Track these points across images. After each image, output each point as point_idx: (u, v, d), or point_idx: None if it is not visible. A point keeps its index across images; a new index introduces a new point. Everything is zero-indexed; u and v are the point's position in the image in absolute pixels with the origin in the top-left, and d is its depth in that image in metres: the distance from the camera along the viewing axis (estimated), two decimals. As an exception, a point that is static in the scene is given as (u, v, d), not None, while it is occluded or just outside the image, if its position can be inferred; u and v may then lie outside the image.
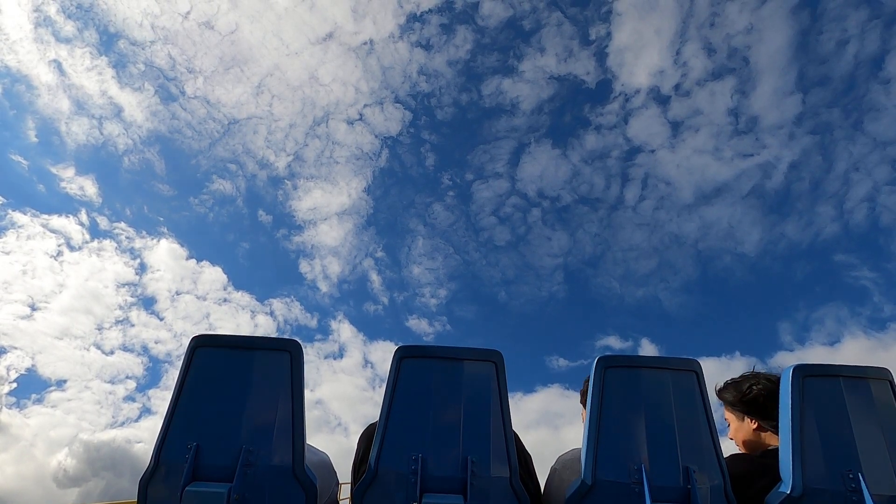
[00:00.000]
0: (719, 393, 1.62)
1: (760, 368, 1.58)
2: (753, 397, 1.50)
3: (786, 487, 1.19)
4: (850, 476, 1.18)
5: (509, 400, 1.34)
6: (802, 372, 1.29)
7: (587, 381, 1.60)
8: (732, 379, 1.60)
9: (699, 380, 1.33)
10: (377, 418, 1.33)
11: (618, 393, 1.31)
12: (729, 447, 1.64)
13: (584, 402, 1.59)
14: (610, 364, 1.34)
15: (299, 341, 1.36)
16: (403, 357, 1.38)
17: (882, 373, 1.30)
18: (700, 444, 1.26)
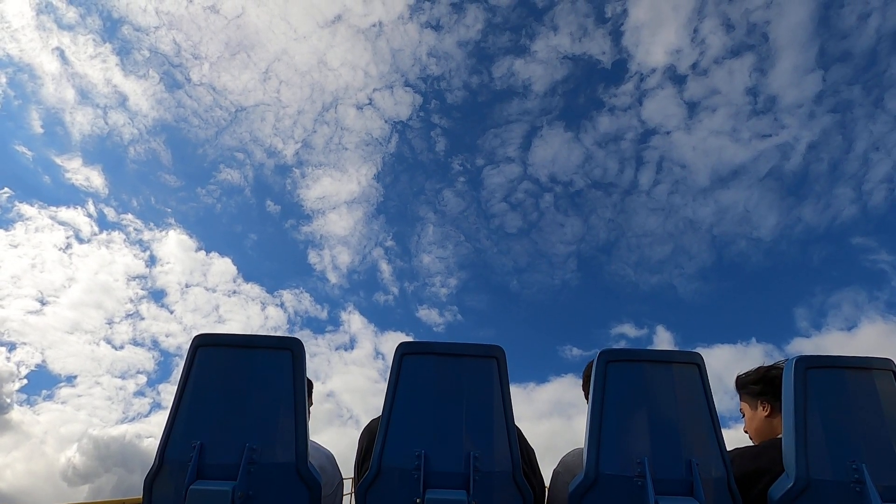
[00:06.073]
0: (739, 379, 1.64)
1: (777, 355, 1.61)
2: (773, 377, 1.53)
3: (789, 479, 1.19)
4: (854, 467, 1.17)
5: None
6: (805, 364, 1.28)
7: (588, 366, 1.59)
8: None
9: (701, 373, 1.33)
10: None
11: (620, 387, 1.31)
12: (732, 440, 1.64)
13: (585, 390, 1.59)
14: (612, 358, 1.34)
15: (301, 340, 1.37)
16: (405, 354, 1.38)
17: (886, 363, 1.29)
18: (703, 437, 1.25)
